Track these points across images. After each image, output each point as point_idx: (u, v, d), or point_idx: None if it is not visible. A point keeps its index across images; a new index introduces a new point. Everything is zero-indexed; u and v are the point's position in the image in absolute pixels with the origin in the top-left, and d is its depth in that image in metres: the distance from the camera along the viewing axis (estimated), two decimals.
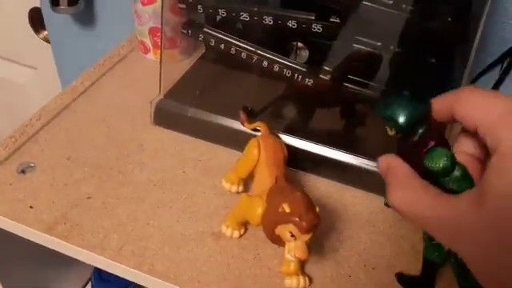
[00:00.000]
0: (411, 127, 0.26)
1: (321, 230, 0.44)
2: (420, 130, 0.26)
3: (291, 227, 0.34)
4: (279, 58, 0.48)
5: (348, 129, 0.52)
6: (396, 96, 0.26)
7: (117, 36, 0.68)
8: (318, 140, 0.49)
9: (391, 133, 0.27)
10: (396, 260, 0.43)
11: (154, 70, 0.57)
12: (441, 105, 0.25)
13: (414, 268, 0.41)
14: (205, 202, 0.46)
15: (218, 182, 0.47)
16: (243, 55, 0.48)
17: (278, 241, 0.36)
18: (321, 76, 0.47)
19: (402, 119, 0.26)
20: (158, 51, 0.63)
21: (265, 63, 0.48)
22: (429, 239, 0.37)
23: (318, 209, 0.36)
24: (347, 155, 0.48)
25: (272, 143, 0.43)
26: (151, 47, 0.63)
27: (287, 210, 0.34)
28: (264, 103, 0.51)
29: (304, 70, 0.48)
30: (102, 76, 0.62)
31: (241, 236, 0.43)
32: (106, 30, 0.81)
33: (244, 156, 0.44)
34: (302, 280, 0.39)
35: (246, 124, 0.48)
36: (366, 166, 0.47)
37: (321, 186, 0.49)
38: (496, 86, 0.59)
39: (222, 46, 0.49)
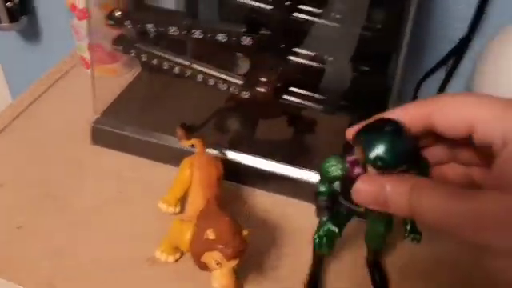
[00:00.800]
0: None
1: (260, 247, 0.43)
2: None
3: (216, 255, 0.33)
4: (213, 70, 0.46)
5: (289, 141, 0.51)
6: (382, 133, 0.23)
7: (63, 50, 0.66)
8: (259, 153, 0.48)
9: (374, 172, 0.23)
10: (338, 275, 0.42)
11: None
12: (415, 112, 0.24)
13: (356, 283, 0.41)
14: (143, 225, 0.45)
15: (158, 202, 0.46)
16: (176, 70, 0.46)
17: (206, 268, 0.35)
18: (257, 89, 0.46)
19: (397, 157, 0.22)
20: (99, 66, 0.61)
21: (199, 77, 0.46)
22: (326, 231, 0.33)
23: (246, 232, 0.34)
24: (290, 168, 0.47)
25: (206, 162, 0.42)
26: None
27: (212, 236, 0.33)
28: (204, 118, 0.50)
29: (239, 82, 0.46)
30: (43, 93, 0.60)
31: (177, 260, 0.41)
32: (52, 44, 0.78)
33: (178, 176, 0.42)
34: None
35: (183, 141, 0.46)
36: (310, 179, 0.46)
37: (263, 199, 0.48)
38: (442, 86, 0.59)
39: (155, 62, 0.47)
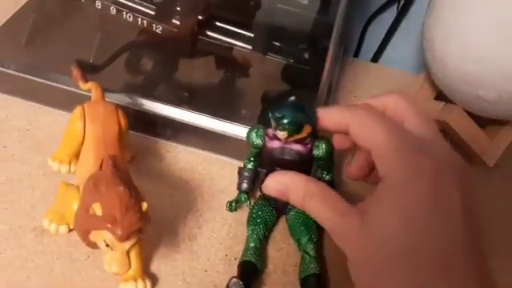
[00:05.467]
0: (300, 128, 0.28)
1: (177, 213, 0.37)
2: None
3: (106, 235, 0.26)
4: None
5: (216, 89, 0.43)
6: (286, 102, 0.28)
7: None
8: (179, 103, 0.40)
9: (283, 136, 0.29)
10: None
11: None
12: (335, 117, 0.26)
13: (286, 254, 0.36)
14: (29, 187, 0.37)
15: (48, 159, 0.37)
16: None
17: (97, 247, 0.28)
18: (173, 21, 0.37)
19: (294, 119, 0.28)
20: None
21: (98, 3, 0.37)
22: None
23: (145, 205, 0.27)
24: (215, 121, 0.40)
25: (102, 112, 0.33)
26: None
27: (98, 212, 0.26)
28: (109, 55, 0.40)
29: (152, 13, 0.37)
30: None
31: (71, 231, 0.34)
32: None
33: (67, 129, 0.34)
34: (141, 285, 0.31)
35: (80, 83, 0.37)
36: (238, 133, 0.39)
37: (184, 156, 0.41)
38: (393, 27, 0.53)
39: None
